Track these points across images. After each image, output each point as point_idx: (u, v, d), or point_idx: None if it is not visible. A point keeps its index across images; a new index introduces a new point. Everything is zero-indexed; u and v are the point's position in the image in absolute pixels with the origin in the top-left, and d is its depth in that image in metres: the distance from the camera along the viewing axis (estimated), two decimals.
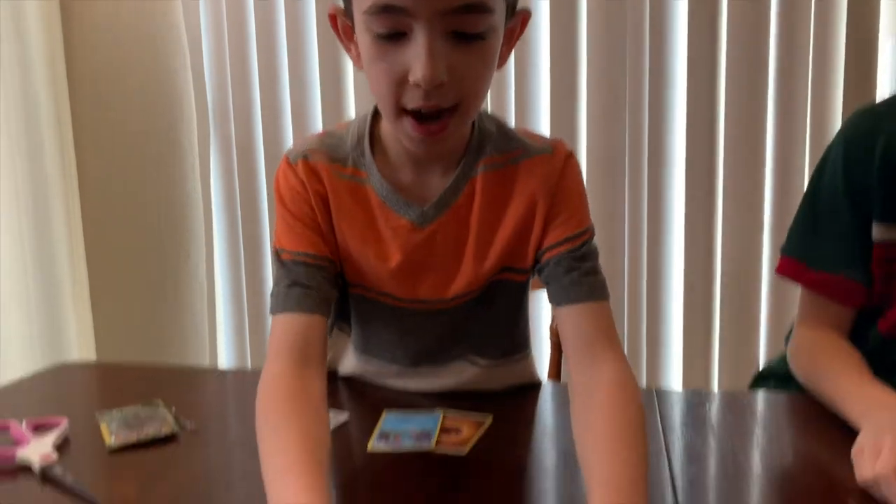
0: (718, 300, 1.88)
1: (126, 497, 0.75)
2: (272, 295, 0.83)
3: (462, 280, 0.88)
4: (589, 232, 0.85)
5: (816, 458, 0.82)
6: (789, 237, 1.01)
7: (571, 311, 0.80)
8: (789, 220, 1.88)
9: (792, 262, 0.99)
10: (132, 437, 0.87)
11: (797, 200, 1.79)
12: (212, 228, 2.10)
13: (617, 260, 1.88)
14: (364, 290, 0.91)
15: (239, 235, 2.09)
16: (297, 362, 0.77)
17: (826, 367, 0.92)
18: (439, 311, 0.91)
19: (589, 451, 0.69)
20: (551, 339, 1.38)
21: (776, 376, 1.14)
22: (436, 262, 0.88)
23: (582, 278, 0.81)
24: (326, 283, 0.84)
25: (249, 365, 2.14)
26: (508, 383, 0.99)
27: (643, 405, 0.72)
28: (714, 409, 0.95)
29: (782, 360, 1.15)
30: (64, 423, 0.88)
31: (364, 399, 0.97)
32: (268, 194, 2.05)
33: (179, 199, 2.09)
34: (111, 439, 0.87)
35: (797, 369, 0.98)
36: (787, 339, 1.16)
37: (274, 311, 0.81)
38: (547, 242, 0.85)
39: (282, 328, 0.80)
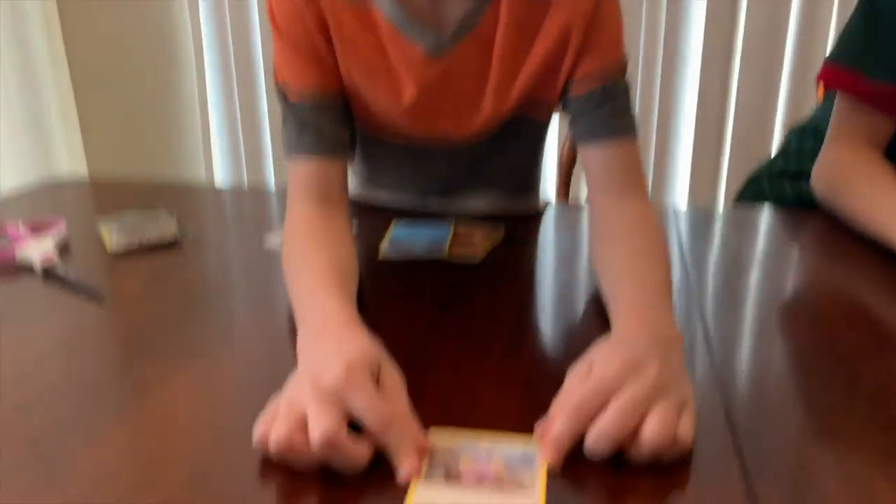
0: (731, 129, 1.83)
1: (131, 295, 0.73)
2: (284, 134, 0.77)
3: (482, 117, 0.81)
4: (623, 64, 0.76)
5: (834, 268, 0.80)
6: (840, 44, 0.93)
7: (599, 150, 0.74)
8: (811, 46, 1.79)
9: (843, 72, 0.91)
10: (134, 241, 0.84)
11: (821, 27, 1.72)
12: (201, 41, 1.99)
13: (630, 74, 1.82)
14: (372, 127, 0.84)
15: (230, 49, 1.97)
16: (318, 203, 0.73)
17: (865, 186, 0.88)
18: (454, 150, 0.85)
19: (609, 271, 0.67)
20: (559, 169, 1.35)
21: (770, 175, 1.12)
22: (453, 98, 0.79)
23: (613, 115, 0.74)
24: (338, 121, 0.77)
25: (246, 184, 2.11)
26: (518, 213, 0.96)
27: (666, 240, 0.69)
28: (734, 224, 0.93)
29: (776, 159, 1.13)
30: (62, 225, 0.85)
31: (371, 212, 0.94)
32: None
33: (167, 9, 1.97)
34: (113, 243, 0.84)
35: (826, 190, 0.94)
36: (788, 140, 1.13)
37: (288, 152, 0.76)
38: (578, 75, 0.76)
39: (300, 174, 0.75)
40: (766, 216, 0.98)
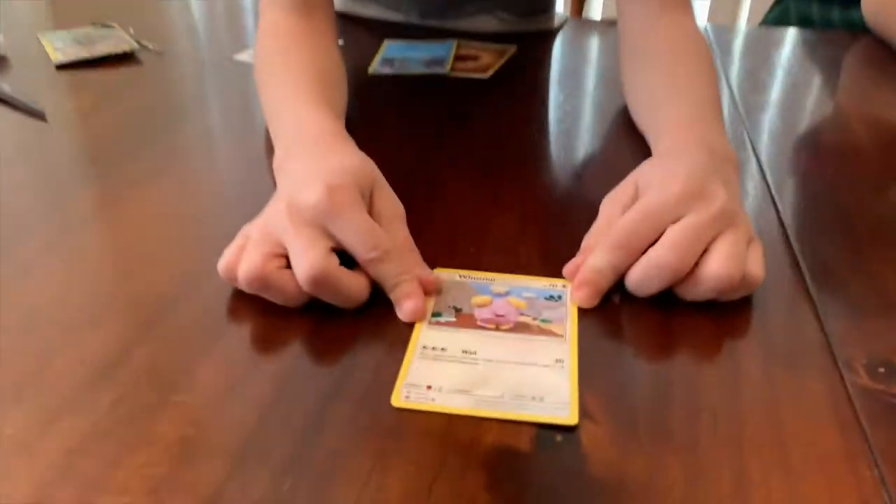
0: None
1: (80, 111, 0.62)
2: None
3: None
4: None
5: (880, 91, 0.70)
6: None
7: None
8: None
9: None
10: (83, 52, 0.72)
11: None
12: None
13: None
14: None
15: None
16: (298, 8, 0.60)
17: None
18: None
19: (647, 89, 0.56)
20: None
21: None
22: None
23: None
24: None
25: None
26: (531, 32, 0.83)
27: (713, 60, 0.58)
28: (769, 43, 0.82)
29: None
30: None
31: (359, 29, 0.82)
32: None
33: None
34: (58, 55, 0.72)
35: (878, 14, 0.82)
36: None
37: None
38: None
39: None
40: (797, 36, 0.86)
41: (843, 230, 0.46)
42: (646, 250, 0.37)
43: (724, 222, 0.37)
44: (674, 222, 0.37)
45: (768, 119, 0.63)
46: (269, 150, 0.50)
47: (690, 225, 0.37)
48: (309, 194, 0.37)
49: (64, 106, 0.63)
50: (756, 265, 0.37)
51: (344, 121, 0.53)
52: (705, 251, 0.37)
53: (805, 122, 0.63)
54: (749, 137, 0.59)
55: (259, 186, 0.49)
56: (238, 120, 0.62)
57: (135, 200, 0.49)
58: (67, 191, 0.50)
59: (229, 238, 0.40)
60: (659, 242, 0.37)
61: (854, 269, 0.42)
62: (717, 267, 0.36)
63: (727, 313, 0.38)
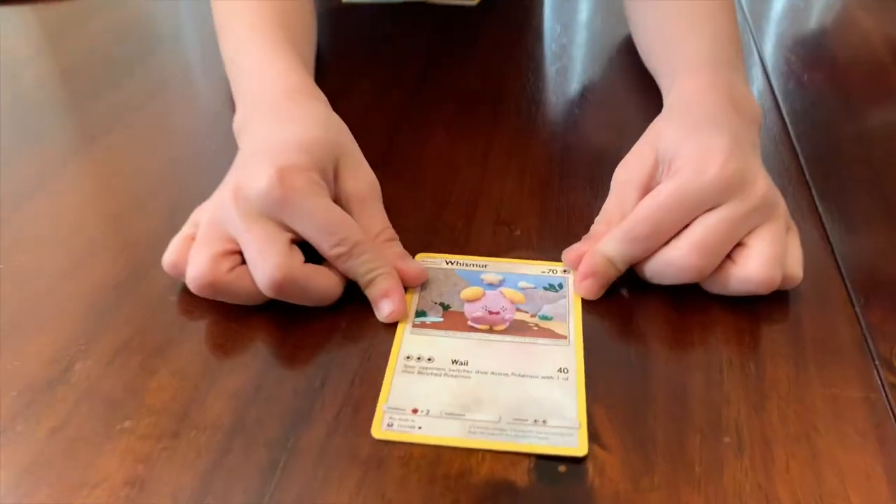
0: None
1: (22, 57, 0.55)
2: None
3: None
4: None
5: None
6: None
7: None
8: None
9: None
10: None
11: None
12: None
13: None
14: None
15: None
16: None
17: None
18: None
19: (658, 21, 0.49)
20: None
21: None
22: None
23: None
24: None
25: None
26: None
27: None
28: None
29: None
30: None
31: None
32: None
33: None
34: None
35: None
36: None
37: None
38: None
39: None
40: None
41: (874, 188, 0.41)
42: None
43: (762, 215, 0.32)
44: (706, 211, 0.31)
45: (777, 28, 0.57)
46: (232, 101, 0.44)
47: (724, 220, 0.31)
48: (257, 179, 0.31)
49: (6, 48, 0.56)
50: (795, 263, 0.32)
51: (313, 68, 0.47)
52: (740, 244, 0.32)
53: (818, 34, 0.57)
54: (757, 48, 0.53)
55: (222, 147, 0.43)
56: (206, 58, 0.56)
57: (82, 166, 0.43)
58: (6, 156, 0.44)
59: (185, 215, 0.35)
60: (682, 239, 0.31)
61: (888, 236, 0.38)
62: (756, 271, 0.31)
63: (751, 303, 0.33)
